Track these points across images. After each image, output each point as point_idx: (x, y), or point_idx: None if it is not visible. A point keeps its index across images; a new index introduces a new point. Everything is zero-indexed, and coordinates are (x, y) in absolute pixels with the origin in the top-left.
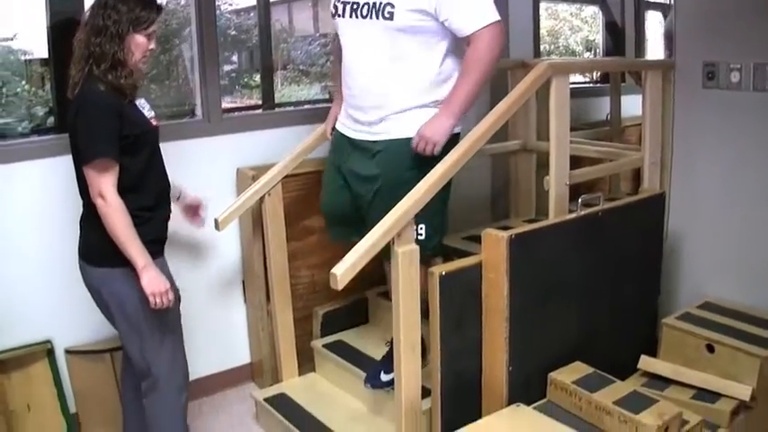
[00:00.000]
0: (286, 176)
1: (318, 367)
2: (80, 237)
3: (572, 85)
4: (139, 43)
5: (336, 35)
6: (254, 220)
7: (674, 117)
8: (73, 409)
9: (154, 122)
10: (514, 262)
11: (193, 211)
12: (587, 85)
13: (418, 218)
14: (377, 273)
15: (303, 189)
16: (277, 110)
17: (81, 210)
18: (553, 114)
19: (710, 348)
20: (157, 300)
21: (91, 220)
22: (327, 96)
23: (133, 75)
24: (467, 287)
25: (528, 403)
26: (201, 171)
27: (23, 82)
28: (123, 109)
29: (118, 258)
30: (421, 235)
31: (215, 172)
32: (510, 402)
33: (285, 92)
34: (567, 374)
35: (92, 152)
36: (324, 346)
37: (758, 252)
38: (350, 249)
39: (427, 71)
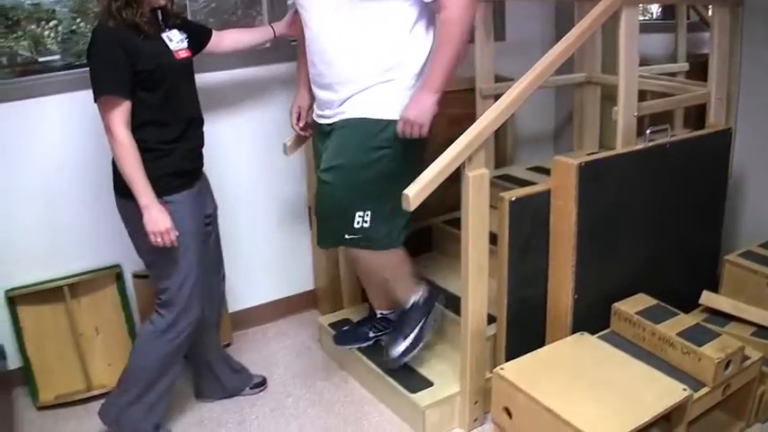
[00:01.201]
0: None
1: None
2: (113, 171)
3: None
4: None
5: (296, 11)
6: None
7: (741, 53)
8: None
9: (183, 54)
10: (583, 190)
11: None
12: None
13: (361, 202)
14: (442, 201)
15: None
16: None
17: None
18: (623, 45)
19: None
20: (158, 239)
21: None
22: None
23: (148, 10)
24: (535, 214)
25: (591, 333)
26: (278, 96)
27: (78, 19)
28: (135, 45)
29: (126, 190)
30: (366, 222)
31: (290, 98)
32: (574, 331)
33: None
34: (631, 305)
35: (98, 89)
36: None
37: None
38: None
39: (396, 41)
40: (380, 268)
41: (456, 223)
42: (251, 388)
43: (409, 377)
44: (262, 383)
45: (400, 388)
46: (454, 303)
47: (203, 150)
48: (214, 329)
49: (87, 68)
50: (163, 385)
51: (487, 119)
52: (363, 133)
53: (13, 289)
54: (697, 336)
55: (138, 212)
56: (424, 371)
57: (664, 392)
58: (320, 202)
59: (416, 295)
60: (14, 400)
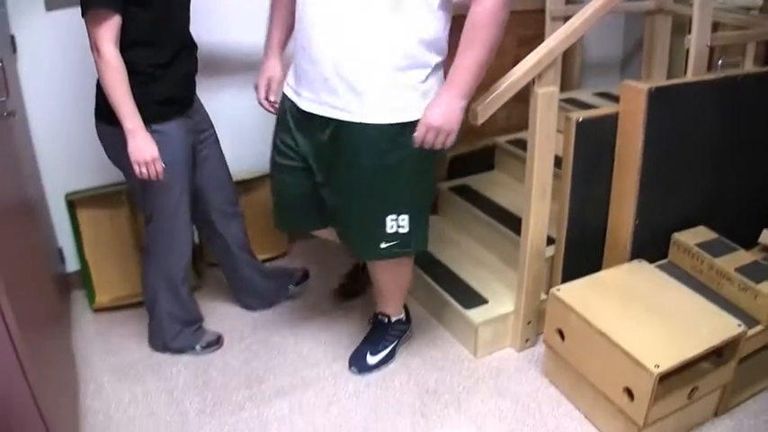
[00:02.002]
0: None
1: (441, 210)
2: (96, 94)
3: None
4: None
5: None
6: None
7: None
8: None
9: None
10: (652, 115)
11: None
12: None
13: (400, 206)
14: (507, 119)
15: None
16: None
17: None
18: None
19: None
20: (142, 169)
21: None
22: None
23: None
24: (601, 137)
25: (649, 261)
26: None
27: None
28: None
29: (111, 116)
30: (403, 227)
31: None
32: (632, 258)
33: None
34: (691, 237)
35: (86, 2)
36: (449, 188)
37: None
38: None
39: (419, 30)
40: (404, 275)
41: (520, 144)
42: (295, 285)
43: (465, 294)
44: (304, 276)
45: (455, 304)
46: (514, 223)
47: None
48: (239, 250)
49: None
50: (182, 298)
51: (558, 38)
52: (384, 139)
53: (73, 193)
54: (755, 273)
55: (123, 139)
56: (480, 289)
57: (718, 326)
58: (342, 218)
59: (401, 314)
60: (72, 301)
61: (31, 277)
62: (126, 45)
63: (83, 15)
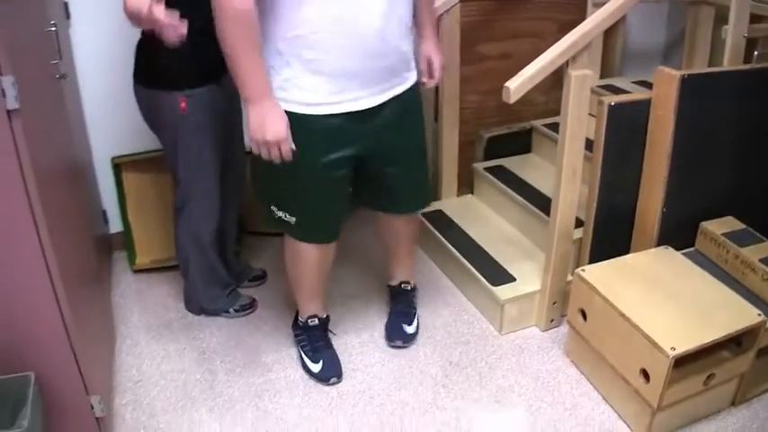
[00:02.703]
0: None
1: (476, 190)
2: (135, 58)
3: None
4: None
5: None
6: None
7: None
8: None
9: None
10: (684, 102)
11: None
12: None
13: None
14: (545, 104)
15: (480, 15)
16: None
17: None
18: None
19: None
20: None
21: (143, 43)
22: None
23: None
24: (633, 122)
25: (676, 248)
26: None
27: None
28: None
29: (164, 82)
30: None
31: None
32: (659, 244)
33: None
34: (719, 226)
35: None
36: (485, 168)
37: None
38: None
39: None
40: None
41: (556, 127)
42: (249, 281)
43: (493, 271)
44: (261, 277)
45: (483, 279)
46: (546, 205)
47: None
48: (230, 224)
49: None
50: (210, 261)
51: (593, 21)
52: (419, 91)
53: (119, 156)
54: None
55: (158, 103)
56: (508, 266)
57: (738, 314)
58: (402, 182)
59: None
60: (113, 262)
61: (76, 235)
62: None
63: None
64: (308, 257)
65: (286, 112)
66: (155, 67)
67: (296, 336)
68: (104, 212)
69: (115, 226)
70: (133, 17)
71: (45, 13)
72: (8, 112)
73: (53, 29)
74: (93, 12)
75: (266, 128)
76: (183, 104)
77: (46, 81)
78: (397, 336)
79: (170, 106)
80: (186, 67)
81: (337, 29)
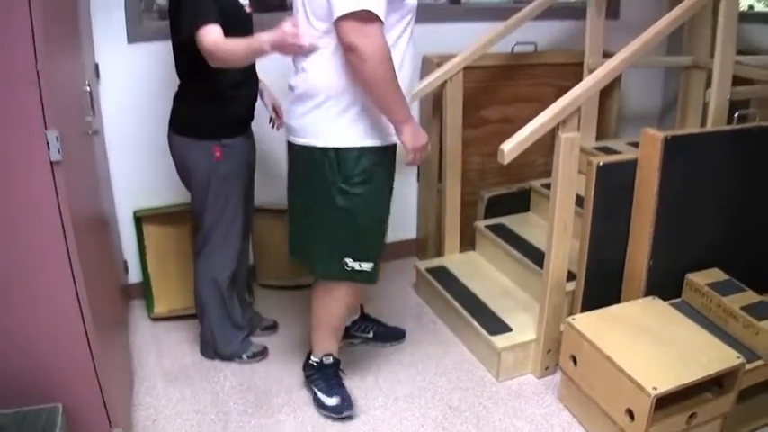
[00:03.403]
0: (467, 67)
1: (478, 246)
2: (172, 109)
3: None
4: None
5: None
6: (434, 105)
7: None
8: None
9: (248, 9)
10: (668, 162)
11: (275, 110)
12: None
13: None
14: (544, 165)
15: (483, 81)
16: (462, 4)
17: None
18: (721, 29)
19: None
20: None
21: (183, 96)
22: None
23: None
24: (621, 180)
25: (663, 299)
26: None
27: None
28: None
29: (202, 132)
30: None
31: None
32: (647, 294)
33: None
34: (703, 277)
35: (195, 18)
36: (486, 226)
37: None
38: None
39: None
40: None
41: None
42: (261, 330)
43: (491, 321)
44: (272, 326)
45: (481, 330)
46: (540, 258)
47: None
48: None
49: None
50: (226, 305)
51: (582, 88)
52: None
53: (141, 210)
54: (759, 311)
55: (204, 151)
56: (505, 317)
57: (718, 357)
58: None
59: None
60: (132, 309)
61: (104, 282)
62: (209, 66)
63: (191, 29)
64: (356, 297)
65: (383, 147)
66: (192, 117)
67: (309, 376)
68: (125, 263)
69: (135, 276)
70: (248, 59)
71: (82, 73)
72: (51, 163)
73: (88, 88)
74: (121, 73)
75: (420, 135)
76: (217, 153)
77: (81, 136)
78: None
79: (205, 155)
80: (222, 119)
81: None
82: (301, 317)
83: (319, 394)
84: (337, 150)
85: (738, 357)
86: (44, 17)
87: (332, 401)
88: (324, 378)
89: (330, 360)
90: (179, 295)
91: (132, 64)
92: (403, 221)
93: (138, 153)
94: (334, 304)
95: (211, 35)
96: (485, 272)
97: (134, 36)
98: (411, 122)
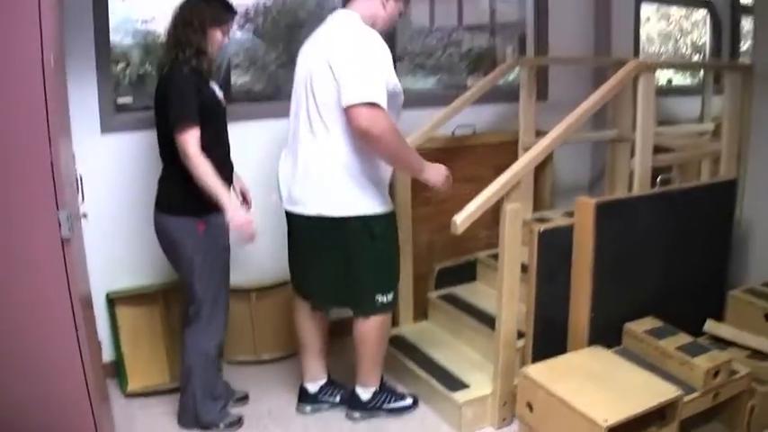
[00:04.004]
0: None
1: (431, 315)
2: (158, 190)
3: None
4: (217, 37)
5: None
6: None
7: (751, 113)
8: None
9: (223, 100)
10: (600, 225)
11: (243, 196)
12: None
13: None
14: (487, 238)
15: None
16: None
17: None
18: (640, 105)
19: None
20: (244, 230)
21: (168, 178)
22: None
23: (209, 61)
24: (560, 245)
25: (606, 347)
26: None
27: (145, 63)
28: (201, 87)
29: (187, 209)
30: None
31: None
32: (590, 344)
33: (402, 83)
34: (640, 325)
35: (179, 117)
36: (438, 296)
37: None
38: None
39: None
40: None
41: (497, 257)
42: (234, 401)
43: (450, 380)
44: (244, 398)
45: (442, 388)
46: (491, 321)
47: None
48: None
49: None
50: (212, 373)
51: (521, 164)
52: None
53: (113, 291)
54: (692, 350)
55: (192, 227)
56: (463, 376)
57: (659, 392)
58: None
59: None
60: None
61: (95, 358)
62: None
63: (175, 128)
64: (389, 328)
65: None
66: (177, 197)
67: (383, 399)
68: (99, 342)
69: (107, 355)
70: (239, 226)
71: (74, 159)
72: (62, 240)
73: (78, 174)
74: (95, 161)
75: (440, 169)
76: (201, 228)
77: (77, 219)
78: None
79: (191, 230)
80: (202, 198)
81: None
82: (268, 389)
83: (394, 405)
84: (369, 217)
85: (677, 391)
86: (57, 111)
87: (409, 400)
88: (392, 392)
89: (378, 386)
90: (152, 372)
91: (105, 153)
92: None
93: (110, 237)
94: (379, 337)
95: (194, 146)
96: (439, 338)
97: (107, 127)
98: (427, 166)
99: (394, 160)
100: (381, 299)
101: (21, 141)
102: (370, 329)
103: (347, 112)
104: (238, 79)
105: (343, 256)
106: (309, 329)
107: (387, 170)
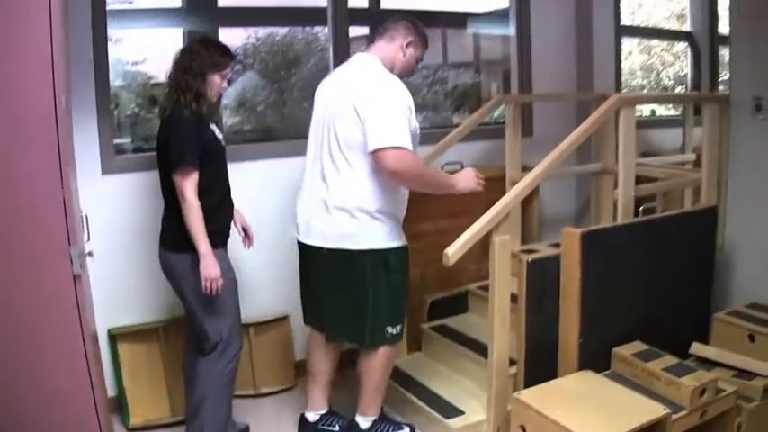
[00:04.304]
0: None
1: (424, 346)
2: (162, 229)
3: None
4: (216, 82)
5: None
6: None
7: (729, 142)
8: None
9: (223, 141)
10: (586, 254)
11: (245, 231)
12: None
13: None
14: (477, 270)
15: (419, 197)
16: None
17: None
18: (622, 138)
19: (752, 338)
20: (208, 284)
21: (171, 216)
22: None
23: (209, 105)
24: (548, 273)
25: (596, 371)
26: None
27: (132, 105)
28: (202, 130)
29: (190, 246)
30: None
31: None
32: (580, 369)
33: None
34: (628, 349)
35: (179, 160)
36: (430, 328)
37: None
38: None
39: None
40: None
41: (487, 288)
42: None
43: (445, 407)
44: (245, 430)
45: (438, 415)
46: (484, 352)
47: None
48: None
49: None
50: (228, 398)
51: (509, 197)
52: None
53: (115, 328)
54: (679, 371)
55: (196, 264)
56: (457, 403)
57: (648, 411)
58: None
59: None
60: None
61: (101, 392)
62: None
63: (174, 170)
64: (394, 359)
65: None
66: (182, 234)
67: (381, 429)
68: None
69: (111, 390)
70: (208, 279)
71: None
72: (74, 276)
73: (84, 214)
74: (96, 201)
75: (469, 175)
76: None
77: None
78: None
79: (194, 265)
80: (207, 233)
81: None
82: (268, 422)
83: None
84: (386, 250)
85: (665, 409)
86: (67, 151)
87: (405, 430)
88: (386, 424)
89: (379, 414)
90: (153, 406)
91: (105, 193)
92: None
93: (110, 274)
94: (384, 368)
95: (191, 190)
96: (433, 368)
97: (107, 169)
98: (456, 179)
99: (426, 188)
100: (391, 330)
101: (35, 181)
102: (376, 360)
103: (375, 154)
104: (228, 120)
105: (356, 288)
106: (321, 359)
107: (403, 207)
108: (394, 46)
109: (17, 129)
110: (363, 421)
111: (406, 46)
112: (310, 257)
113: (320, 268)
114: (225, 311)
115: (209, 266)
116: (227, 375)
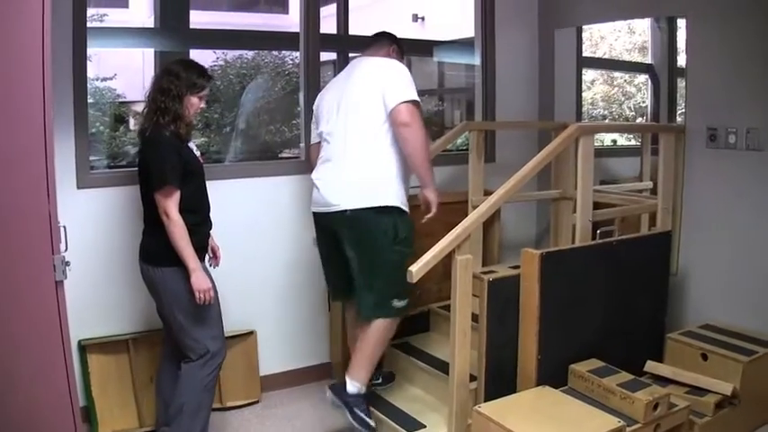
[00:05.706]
0: None
1: (386, 364)
2: (143, 244)
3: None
4: (194, 103)
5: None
6: None
7: (684, 170)
8: None
9: (201, 159)
10: (545, 274)
11: (213, 252)
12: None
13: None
14: (438, 291)
15: None
16: None
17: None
18: (580, 165)
19: (704, 357)
20: (201, 295)
21: (152, 232)
22: None
23: (188, 125)
24: (508, 293)
25: (554, 387)
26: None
27: (98, 123)
28: (181, 149)
29: (172, 260)
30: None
31: None
32: (538, 385)
33: None
34: (584, 366)
35: (162, 181)
36: (393, 345)
37: (751, 285)
38: None
39: None
40: None
41: (448, 308)
42: None
43: (407, 421)
44: None
45: (399, 428)
46: (446, 369)
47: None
48: None
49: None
50: (209, 404)
51: (471, 218)
52: None
53: (85, 339)
54: (633, 386)
55: (180, 276)
56: (419, 418)
57: (603, 424)
58: None
59: None
60: None
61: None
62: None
63: (156, 190)
64: (394, 331)
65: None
66: (163, 248)
67: (360, 402)
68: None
69: (79, 400)
70: (200, 291)
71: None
72: (56, 283)
73: (63, 226)
74: (71, 214)
75: (436, 192)
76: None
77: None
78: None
79: (179, 276)
80: (194, 248)
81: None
82: None
83: (361, 415)
84: (397, 217)
85: (619, 422)
86: (52, 163)
87: (372, 422)
88: (365, 403)
89: (365, 390)
90: (122, 417)
91: (80, 207)
92: (316, 347)
93: (82, 285)
94: (384, 338)
95: (173, 209)
96: (396, 384)
97: (83, 183)
98: (432, 182)
99: (419, 156)
100: (398, 303)
101: (22, 195)
102: (376, 327)
103: (393, 110)
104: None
105: (371, 254)
106: (357, 338)
107: (409, 179)
108: (383, 52)
109: (12, 141)
110: (351, 385)
111: (392, 52)
112: (331, 226)
113: (341, 233)
114: (211, 322)
115: (200, 279)
116: (210, 382)
